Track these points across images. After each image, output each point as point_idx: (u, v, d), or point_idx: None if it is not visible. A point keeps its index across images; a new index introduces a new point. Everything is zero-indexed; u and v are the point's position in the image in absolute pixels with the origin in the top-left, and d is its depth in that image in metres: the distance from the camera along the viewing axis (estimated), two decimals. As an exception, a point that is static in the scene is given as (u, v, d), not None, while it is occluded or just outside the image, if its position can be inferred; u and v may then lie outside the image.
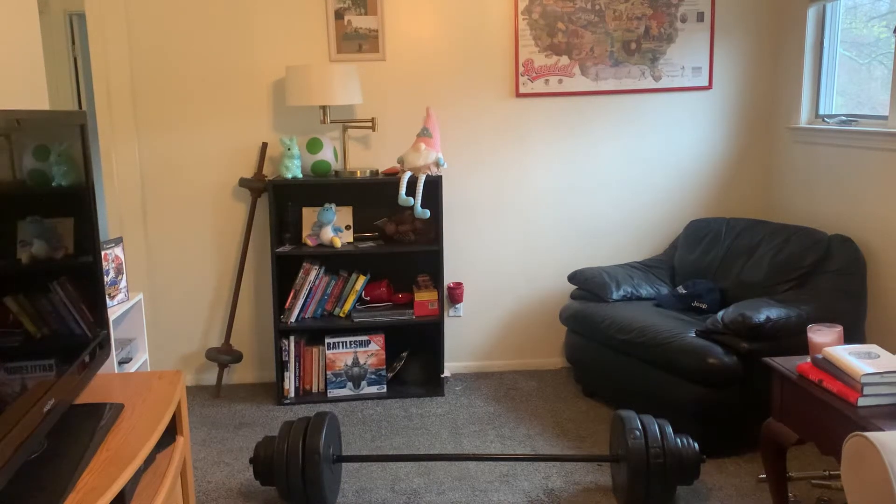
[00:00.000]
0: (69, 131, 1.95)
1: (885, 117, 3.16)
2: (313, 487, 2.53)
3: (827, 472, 2.70)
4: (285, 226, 3.69)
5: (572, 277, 3.72)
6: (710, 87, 3.87)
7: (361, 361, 3.65)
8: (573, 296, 3.74)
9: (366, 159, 3.80)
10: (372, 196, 3.76)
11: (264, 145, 3.71)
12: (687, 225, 3.89)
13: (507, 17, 3.74)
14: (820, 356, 2.14)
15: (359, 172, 3.60)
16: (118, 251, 2.96)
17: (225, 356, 3.73)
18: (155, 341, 3.86)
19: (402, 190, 3.41)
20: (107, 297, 2.58)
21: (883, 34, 3.33)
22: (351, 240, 3.69)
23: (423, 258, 3.79)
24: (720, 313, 2.99)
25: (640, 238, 3.99)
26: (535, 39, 3.76)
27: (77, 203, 2.00)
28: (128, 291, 3.04)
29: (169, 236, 3.79)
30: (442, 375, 3.71)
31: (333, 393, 3.65)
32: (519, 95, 3.81)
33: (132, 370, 3.04)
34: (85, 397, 1.97)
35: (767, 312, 2.86)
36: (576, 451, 3.06)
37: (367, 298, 3.73)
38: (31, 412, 1.54)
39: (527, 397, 3.65)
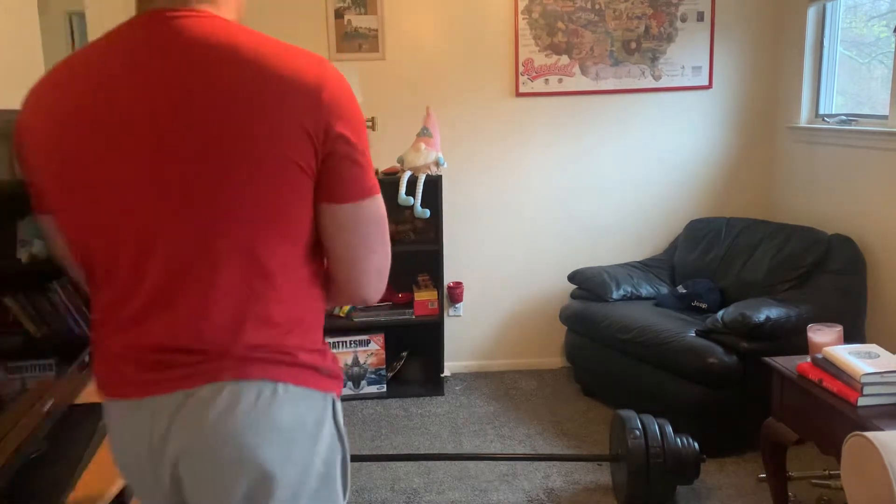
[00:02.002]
0: (69, 131, 1.95)
1: (885, 117, 3.16)
2: None
3: (827, 472, 2.70)
4: (285, 225, 3.68)
5: (572, 277, 3.72)
6: (710, 86, 3.87)
7: (361, 361, 3.65)
8: (573, 295, 3.74)
9: (366, 159, 3.80)
10: (372, 196, 3.75)
11: (264, 145, 3.71)
12: (687, 225, 3.89)
13: (507, 17, 3.74)
14: (820, 356, 2.14)
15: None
16: (118, 251, 2.96)
17: (225, 356, 3.72)
18: (155, 341, 3.86)
19: (402, 189, 3.41)
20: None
21: (883, 34, 3.33)
22: (351, 239, 3.67)
23: (422, 258, 3.79)
24: (720, 313, 2.99)
25: (640, 238, 3.99)
26: (535, 39, 3.75)
27: (77, 203, 1.99)
28: (128, 291, 3.04)
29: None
30: (442, 375, 3.71)
31: (333, 393, 3.65)
32: (519, 95, 3.80)
33: (132, 370, 3.04)
34: (85, 397, 1.97)
35: (767, 312, 2.86)
36: (576, 450, 3.06)
37: (367, 298, 3.73)
38: (31, 412, 1.54)
39: (527, 397, 3.65)
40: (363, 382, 3.66)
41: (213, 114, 0.99)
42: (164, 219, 1.01)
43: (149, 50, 1.04)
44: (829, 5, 3.56)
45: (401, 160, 3.51)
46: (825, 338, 2.22)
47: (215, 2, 1.14)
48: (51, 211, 1.10)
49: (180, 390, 1.03)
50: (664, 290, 3.66)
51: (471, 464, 2.96)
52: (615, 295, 3.54)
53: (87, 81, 1.04)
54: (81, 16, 4.84)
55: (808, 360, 2.20)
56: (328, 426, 1.11)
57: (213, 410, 1.02)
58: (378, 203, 1.11)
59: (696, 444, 2.57)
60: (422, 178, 3.43)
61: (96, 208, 1.03)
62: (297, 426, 1.06)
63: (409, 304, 3.70)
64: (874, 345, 2.14)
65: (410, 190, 3.42)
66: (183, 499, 1.08)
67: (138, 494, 1.14)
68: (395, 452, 3.08)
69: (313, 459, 1.08)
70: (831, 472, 2.68)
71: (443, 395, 3.68)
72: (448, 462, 2.97)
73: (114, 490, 1.55)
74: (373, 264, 1.14)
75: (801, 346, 2.31)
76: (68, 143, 1.02)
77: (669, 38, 3.80)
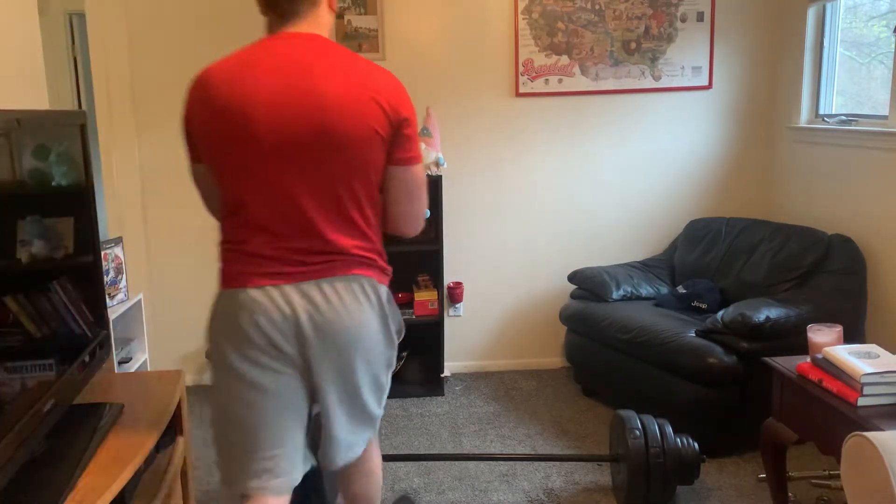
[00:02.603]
0: (69, 131, 1.95)
1: (885, 117, 3.16)
2: (313, 487, 2.53)
3: (827, 472, 2.70)
4: (285, 226, 3.68)
5: (572, 277, 3.72)
6: (710, 86, 3.87)
7: (361, 361, 3.64)
8: (573, 295, 3.74)
9: (366, 159, 3.80)
10: (372, 196, 3.76)
11: (264, 145, 3.71)
12: (687, 225, 3.89)
13: (507, 17, 3.74)
14: (820, 356, 2.14)
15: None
16: (118, 251, 2.96)
17: (225, 356, 3.73)
18: (155, 341, 3.86)
19: (402, 190, 3.41)
20: (107, 296, 2.58)
21: (883, 34, 3.33)
22: (351, 240, 3.67)
23: (423, 258, 3.79)
24: (720, 313, 2.99)
25: (640, 238, 3.99)
26: (534, 39, 3.76)
27: (77, 203, 2.00)
28: (128, 291, 3.04)
29: (169, 236, 3.79)
30: (442, 375, 3.71)
31: (333, 393, 3.64)
32: (519, 95, 3.81)
33: (132, 370, 3.04)
34: (85, 397, 1.97)
35: (767, 312, 2.86)
36: (576, 450, 3.06)
37: (367, 298, 3.72)
38: (31, 412, 1.54)
39: (527, 397, 3.65)
40: (363, 382, 3.65)
41: (322, 108, 1.55)
42: (296, 175, 1.58)
43: (273, 61, 1.59)
44: (829, 5, 3.57)
45: (401, 160, 3.51)
46: (825, 338, 2.22)
47: (317, 26, 1.67)
48: (203, 163, 1.70)
49: (311, 280, 1.62)
50: (664, 290, 3.66)
51: (471, 464, 2.96)
52: (615, 295, 3.54)
53: (230, 81, 1.59)
54: (81, 16, 4.84)
55: (808, 360, 2.20)
56: (389, 305, 1.74)
57: (331, 294, 1.63)
58: (418, 169, 1.71)
59: (696, 444, 2.57)
60: (422, 179, 3.43)
61: (242, 168, 1.59)
62: (373, 304, 1.68)
63: (409, 304, 3.70)
64: (874, 345, 2.14)
65: (410, 190, 3.42)
66: (302, 353, 1.63)
67: (251, 357, 1.63)
68: (395, 452, 3.08)
69: (383, 324, 1.71)
70: (831, 472, 2.68)
71: (443, 395, 3.68)
72: (448, 462, 2.97)
73: (114, 489, 1.55)
74: (411, 209, 1.74)
75: (801, 346, 2.31)
76: (219, 122, 1.58)
77: (669, 39, 3.80)
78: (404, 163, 1.67)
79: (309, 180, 1.59)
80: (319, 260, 1.62)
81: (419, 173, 1.71)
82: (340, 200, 1.61)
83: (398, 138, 1.63)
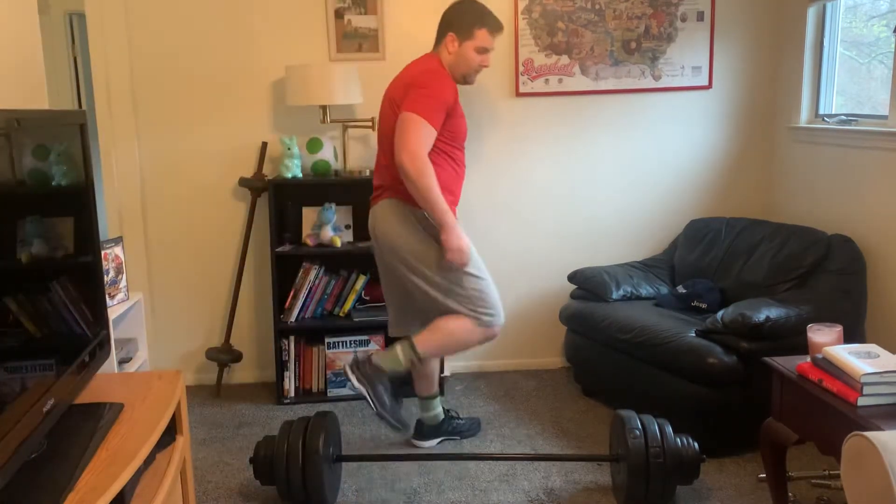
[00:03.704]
0: (69, 131, 1.95)
1: (885, 117, 3.16)
2: (313, 487, 2.53)
3: (827, 472, 2.70)
4: (285, 225, 3.69)
5: (572, 277, 3.71)
6: (709, 86, 3.87)
7: (361, 361, 3.64)
8: (573, 295, 3.74)
9: (366, 159, 3.80)
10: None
11: (264, 145, 3.71)
12: (687, 225, 3.89)
13: (507, 17, 3.74)
14: (820, 356, 2.14)
15: (359, 172, 3.60)
16: (118, 251, 2.96)
17: (225, 356, 3.73)
18: (155, 341, 3.86)
19: (402, 190, 3.43)
20: (107, 296, 2.58)
21: (883, 34, 3.33)
22: (351, 239, 3.68)
23: (423, 258, 3.78)
24: (720, 313, 2.99)
25: (640, 238, 3.99)
26: (534, 39, 3.76)
27: (77, 203, 2.00)
28: (128, 291, 3.04)
29: (169, 236, 3.79)
30: (442, 375, 3.71)
31: (333, 392, 3.65)
32: (519, 95, 3.81)
33: (132, 370, 3.04)
34: (85, 397, 1.97)
35: (767, 312, 2.86)
36: (576, 450, 3.06)
37: (367, 298, 3.73)
38: (31, 412, 1.54)
39: (527, 397, 3.65)
40: (363, 382, 3.65)
41: (386, 95, 2.80)
42: (378, 136, 2.87)
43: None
44: (829, 5, 3.57)
45: (401, 160, 3.52)
46: (825, 338, 2.22)
47: (438, 49, 2.83)
48: None
49: (373, 206, 2.86)
50: (664, 290, 3.66)
51: (471, 464, 2.96)
52: (615, 295, 3.54)
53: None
54: (81, 16, 4.84)
55: (808, 360, 2.20)
56: (412, 218, 2.74)
57: (378, 213, 2.81)
58: (405, 116, 2.61)
59: (696, 444, 2.57)
60: (422, 178, 3.44)
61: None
62: (398, 216, 2.75)
63: (409, 304, 3.70)
64: (874, 345, 2.14)
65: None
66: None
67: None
68: (395, 452, 3.08)
69: (410, 232, 2.74)
70: (831, 472, 2.68)
71: (443, 395, 3.67)
72: (448, 462, 2.97)
73: (114, 489, 1.55)
74: (397, 140, 2.63)
75: (801, 346, 2.31)
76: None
77: (669, 38, 3.80)
78: (400, 110, 2.64)
79: (379, 142, 2.84)
80: (378, 192, 2.82)
81: (405, 119, 2.59)
82: (387, 151, 2.72)
83: (402, 100, 2.65)
